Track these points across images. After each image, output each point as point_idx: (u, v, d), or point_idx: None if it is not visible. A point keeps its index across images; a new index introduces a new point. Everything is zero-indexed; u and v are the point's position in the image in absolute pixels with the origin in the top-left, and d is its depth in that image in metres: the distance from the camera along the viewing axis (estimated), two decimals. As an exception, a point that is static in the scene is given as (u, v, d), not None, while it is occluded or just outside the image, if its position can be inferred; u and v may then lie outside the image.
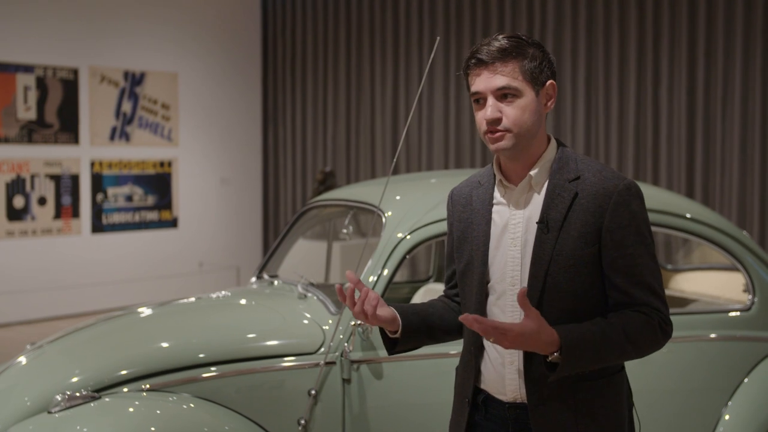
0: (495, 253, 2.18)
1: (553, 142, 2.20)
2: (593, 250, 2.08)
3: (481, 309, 2.19)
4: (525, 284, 2.11)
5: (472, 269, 2.21)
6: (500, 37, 2.14)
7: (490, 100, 2.11)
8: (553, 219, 2.11)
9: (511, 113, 2.10)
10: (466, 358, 2.26)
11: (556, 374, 2.01)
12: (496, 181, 2.23)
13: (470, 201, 2.27)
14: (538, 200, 2.16)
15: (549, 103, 2.17)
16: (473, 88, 2.14)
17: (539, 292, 2.09)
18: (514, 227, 2.16)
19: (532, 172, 2.16)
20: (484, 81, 2.11)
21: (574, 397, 2.10)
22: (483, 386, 2.21)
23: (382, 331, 2.27)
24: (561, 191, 2.12)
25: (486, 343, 2.19)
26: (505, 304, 2.16)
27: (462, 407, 2.25)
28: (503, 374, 2.17)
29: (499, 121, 2.10)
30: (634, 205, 2.10)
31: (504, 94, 2.10)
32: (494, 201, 2.22)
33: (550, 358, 2.00)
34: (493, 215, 2.21)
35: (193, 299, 3.80)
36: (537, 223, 2.13)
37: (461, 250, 2.26)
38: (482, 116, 2.12)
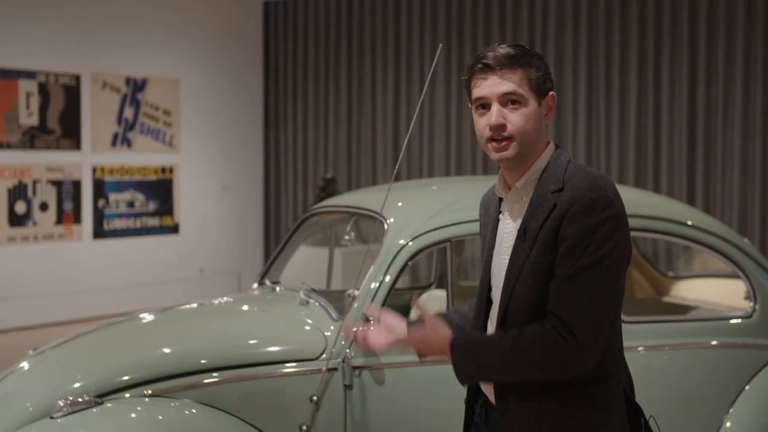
0: (495, 261, 2.19)
1: (547, 152, 2.14)
2: (551, 257, 2.02)
3: (485, 317, 2.21)
4: None
5: (482, 276, 2.24)
6: (504, 45, 2.12)
7: (495, 106, 2.08)
8: (531, 229, 2.07)
9: (515, 120, 2.08)
10: None
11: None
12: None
13: (488, 207, 2.30)
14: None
15: (549, 114, 2.15)
16: (477, 93, 2.10)
17: (507, 299, 2.08)
18: (508, 236, 2.16)
19: (518, 184, 2.14)
20: (490, 86, 2.08)
21: (538, 405, 2.06)
22: (484, 389, 2.24)
23: None
24: (543, 201, 2.07)
25: None
26: (494, 312, 2.16)
27: (467, 408, 2.31)
28: None
29: (503, 127, 2.07)
30: (594, 218, 1.99)
31: (509, 101, 2.08)
32: (500, 209, 2.23)
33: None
34: (499, 223, 2.22)
35: (195, 305, 3.80)
36: (517, 231, 2.13)
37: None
38: (485, 122, 2.09)
